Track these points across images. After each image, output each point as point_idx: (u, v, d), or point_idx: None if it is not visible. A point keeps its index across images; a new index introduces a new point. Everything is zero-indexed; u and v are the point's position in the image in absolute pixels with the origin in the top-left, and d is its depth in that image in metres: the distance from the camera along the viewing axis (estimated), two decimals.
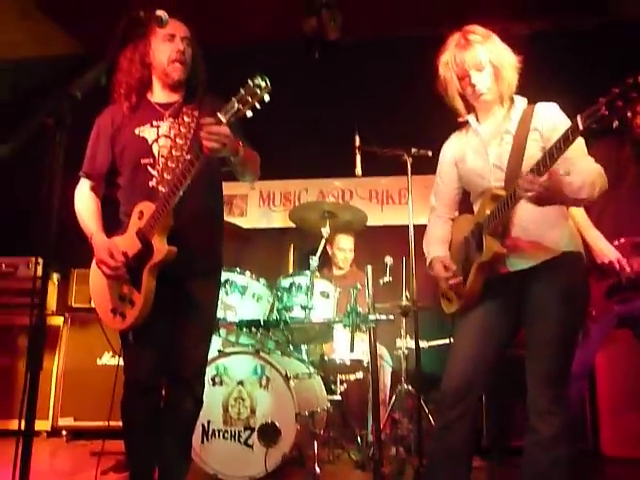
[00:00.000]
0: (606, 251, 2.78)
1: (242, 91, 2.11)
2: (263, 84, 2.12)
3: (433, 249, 2.36)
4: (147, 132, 2.53)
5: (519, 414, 3.50)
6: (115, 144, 2.55)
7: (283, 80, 5.04)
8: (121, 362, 2.56)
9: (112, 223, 2.57)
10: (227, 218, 4.16)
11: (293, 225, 4.22)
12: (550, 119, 2.10)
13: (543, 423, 2.01)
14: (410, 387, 3.81)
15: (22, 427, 1.49)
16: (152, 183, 2.46)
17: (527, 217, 2.11)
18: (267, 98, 2.13)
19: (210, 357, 3.48)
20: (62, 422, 4.32)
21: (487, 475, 3.53)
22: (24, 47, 5.73)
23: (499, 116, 2.23)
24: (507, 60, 2.17)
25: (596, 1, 4.71)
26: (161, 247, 2.34)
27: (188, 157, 2.31)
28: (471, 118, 2.28)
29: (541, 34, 4.50)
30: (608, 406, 3.83)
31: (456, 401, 2.13)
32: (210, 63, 5.15)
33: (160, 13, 2.12)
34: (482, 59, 2.16)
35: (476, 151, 2.25)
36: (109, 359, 4.44)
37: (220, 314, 3.51)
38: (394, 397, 3.86)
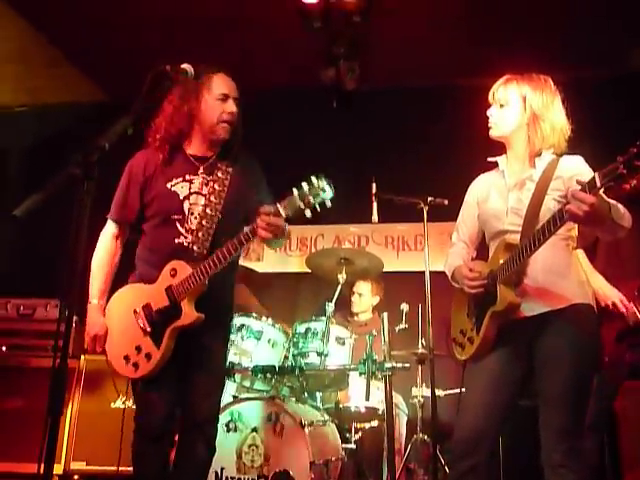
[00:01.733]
0: (609, 293, 2.80)
1: (305, 188, 2.19)
2: (327, 188, 2.21)
3: (455, 262, 2.37)
4: (179, 187, 2.53)
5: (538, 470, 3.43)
6: (145, 193, 2.55)
7: (301, 128, 5.20)
8: (130, 406, 2.57)
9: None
10: (244, 263, 4.21)
11: (309, 270, 4.25)
12: (574, 168, 2.14)
13: (557, 478, 1.97)
14: (426, 437, 3.76)
15: (41, 471, 1.48)
16: (178, 240, 2.48)
17: (537, 267, 2.12)
18: (329, 204, 2.21)
19: (224, 403, 3.49)
20: (74, 466, 4.28)
21: None
22: (48, 93, 5.90)
23: (526, 163, 2.26)
24: (551, 117, 2.20)
25: (612, 54, 4.78)
26: (190, 312, 2.38)
27: (241, 236, 2.31)
28: (501, 160, 2.33)
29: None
30: (629, 458, 3.74)
31: (468, 452, 2.11)
32: None
33: (185, 67, 2.18)
34: (510, 97, 2.23)
35: (498, 193, 2.29)
36: (122, 403, 4.42)
37: (235, 359, 3.51)
38: (409, 447, 3.81)
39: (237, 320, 3.62)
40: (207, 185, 2.53)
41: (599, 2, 4.37)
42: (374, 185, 3.91)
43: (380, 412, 3.71)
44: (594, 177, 1.78)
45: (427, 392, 3.87)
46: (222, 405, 3.43)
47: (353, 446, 3.74)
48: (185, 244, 2.48)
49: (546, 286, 2.10)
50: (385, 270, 4.20)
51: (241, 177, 2.59)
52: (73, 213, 1.58)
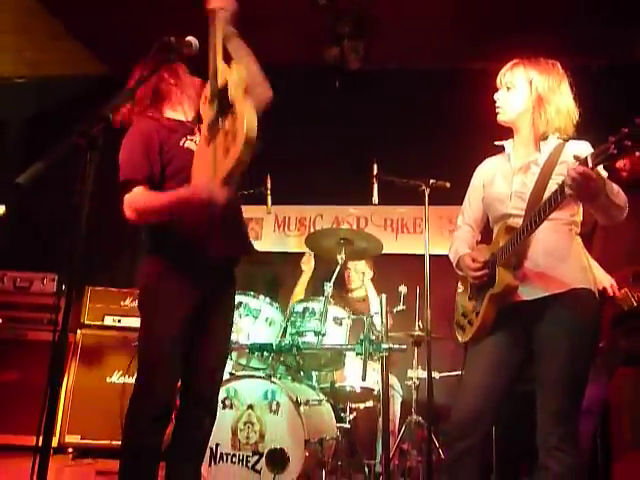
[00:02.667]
0: (600, 278, 2.81)
1: None
2: None
3: (461, 249, 2.36)
4: (189, 144, 2.49)
5: (529, 451, 3.46)
6: (163, 154, 2.42)
7: (303, 107, 5.17)
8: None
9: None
10: None
11: (304, 249, 4.25)
12: (580, 153, 2.12)
13: (553, 460, 1.98)
14: (420, 418, 3.78)
15: (39, 443, 1.48)
16: None
17: (538, 249, 2.13)
18: None
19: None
20: (69, 439, 4.31)
21: None
22: (49, 65, 5.85)
23: (531, 147, 2.25)
24: (557, 100, 2.18)
25: (618, 42, 4.75)
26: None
27: None
28: (508, 144, 2.32)
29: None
30: (620, 442, 3.77)
31: (464, 433, 2.12)
32: None
33: (190, 39, 2.16)
34: (516, 81, 2.22)
35: (504, 177, 2.28)
36: (119, 378, 4.44)
37: (232, 337, 3.50)
38: (404, 428, 3.83)
39: (235, 298, 3.62)
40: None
41: None
42: (375, 166, 3.89)
43: (375, 392, 3.74)
44: (586, 157, 1.81)
45: (422, 374, 3.89)
46: None
47: (348, 426, 3.75)
48: None
49: (546, 270, 2.10)
50: (383, 252, 4.19)
51: None
52: (76, 183, 1.56)
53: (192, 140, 2.51)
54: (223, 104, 2.16)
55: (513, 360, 2.17)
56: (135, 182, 2.34)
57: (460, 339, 2.33)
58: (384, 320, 3.25)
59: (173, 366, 2.37)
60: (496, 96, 2.28)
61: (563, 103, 2.20)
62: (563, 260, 2.12)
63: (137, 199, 2.34)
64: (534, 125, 2.21)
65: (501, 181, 2.28)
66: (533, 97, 2.19)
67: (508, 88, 2.24)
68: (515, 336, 2.16)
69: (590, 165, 1.80)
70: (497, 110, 2.29)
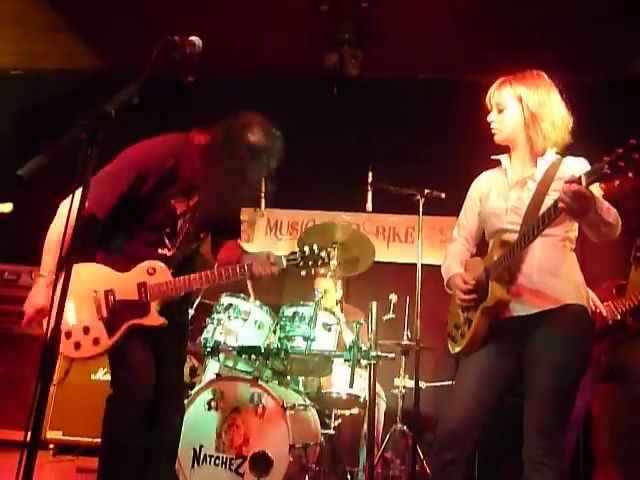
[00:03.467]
0: None
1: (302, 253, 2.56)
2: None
3: (453, 267, 2.37)
4: (179, 202, 2.53)
5: (512, 464, 3.47)
6: (146, 200, 2.47)
7: (300, 112, 5.17)
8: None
9: None
10: None
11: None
12: (577, 170, 2.13)
13: (536, 474, 2.00)
14: (405, 427, 3.78)
15: (27, 439, 1.47)
16: (161, 251, 2.52)
17: (533, 265, 2.14)
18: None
19: (207, 380, 3.49)
20: (50, 435, 4.27)
21: None
22: (47, 58, 5.82)
23: (528, 162, 2.26)
24: (550, 113, 2.18)
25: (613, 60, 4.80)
26: (157, 316, 2.45)
27: (240, 268, 2.51)
28: (504, 158, 2.33)
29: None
30: (602, 456, 3.79)
31: (453, 444, 2.13)
32: (227, 90, 5.24)
33: (194, 39, 2.15)
34: (506, 101, 2.22)
35: (500, 191, 2.30)
36: (103, 375, 4.41)
37: (221, 338, 3.50)
38: (388, 436, 3.83)
39: (225, 300, 3.61)
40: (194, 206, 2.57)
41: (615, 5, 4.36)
42: (370, 174, 3.91)
43: (361, 400, 3.73)
44: (580, 176, 1.83)
45: (409, 383, 3.90)
46: (205, 383, 3.45)
47: (332, 432, 3.75)
48: (168, 255, 2.53)
49: (540, 286, 2.12)
50: (374, 260, 4.19)
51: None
52: (74, 177, 1.55)
53: (185, 202, 2.55)
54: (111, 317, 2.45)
55: (503, 373, 2.18)
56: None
57: (452, 350, 2.34)
58: (373, 328, 3.24)
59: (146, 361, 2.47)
60: (490, 118, 2.29)
61: (557, 114, 2.20)
62: (557, 276, 2.13)
63: (62, 212, 2.43)
64: (531, 142, 2.22)
65: (497, 196, 2.29)
66: (526, 114, 2.19)
67: (500, 110, 2.25)
68: (506, 350, 2.17)
69: (584, 184, 1.81)
70: (493, 131, 2.29)
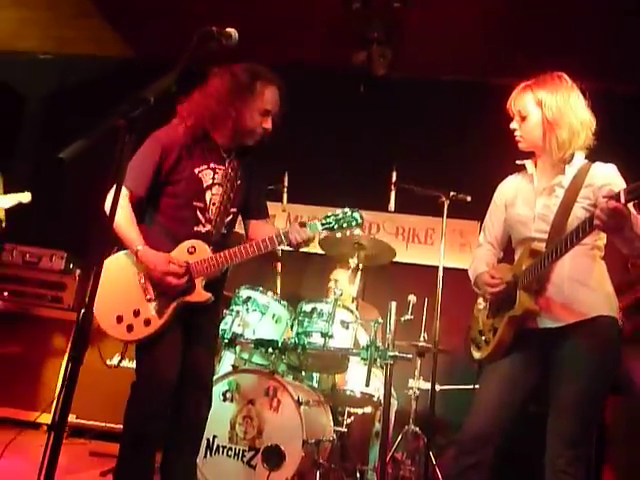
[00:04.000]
0: None
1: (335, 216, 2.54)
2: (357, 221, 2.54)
3: (480, 267, 2.37)
4: (204, 174, 2.59)
5: (525, 471, 3.45)
6: (168, 172, 2.54)
7: (326, 109, 5.17)
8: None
9: None
10: None
11: (318, 251, 4.23)
12: (607, 177, 2.11)
13: None
14: (418, 429, 3.78)
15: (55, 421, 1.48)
16: (197, 228, 2.56)
17: (563, 275, 2.12)
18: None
19: (224, 372, 3.51)
20: None
21: None
22: (75, 44, 5.86)
23: (555, 168, 2.23)
24: (568, 119, 2.14)
25: None
26: (202, 291, 2.51)
27: (270, 239, 2.52)
28: (529, 164, 2.29)
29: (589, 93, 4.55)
30: (611, 465, 3.76)
31: (474, 448, 2.12)
32: None
33: (231, 31, 2.16)
34: (527, 107, 2.19)
35: (525, 198, 2.27)
36: (118, 361, 4.41)
37: (238, 330, 3.51)
38: (400, 437, 3.83)
39: (244, 292, 3.61)
40: (227, 178, 2.63)
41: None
42: (394, 174, 3.89)
43: (375, 399, 3.73)
44: (619, 193, 1.78)
45: (423, 385, 3.89)
46: (221, 374, 3.47)
47: (344, 429, 3.76)
48: (203, 232, 2.57)
49: (572, 298, 2.10)
50: (393, 260, 4.18)
51: (250, 179, 2.73)
52: (113, 164, 1.56)
53: (213, 169, 2.61)
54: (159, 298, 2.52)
55: (528, 381, 2.17)
56: (126, 187, 2.46)
57: (475, 356, 2.32)
58: (392, 328, 3.24)
59: (176, 349, 2.52)
60: (512, 126, 2.25)
61: (576, 120, 2.15)
62: (587, 286, 2.11)
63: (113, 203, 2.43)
64: (552, 148, 2.19)
65: (523, 203, 2.27)
66: (544, 122, 2.16)
67: (522, 117, 2.20)
68: (532, 358, 2.16)
69: (623, 201, 1.77)
70: (517, 139, 2.26)
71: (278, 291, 4.22)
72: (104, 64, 5.82)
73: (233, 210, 2.66)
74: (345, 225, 2.49)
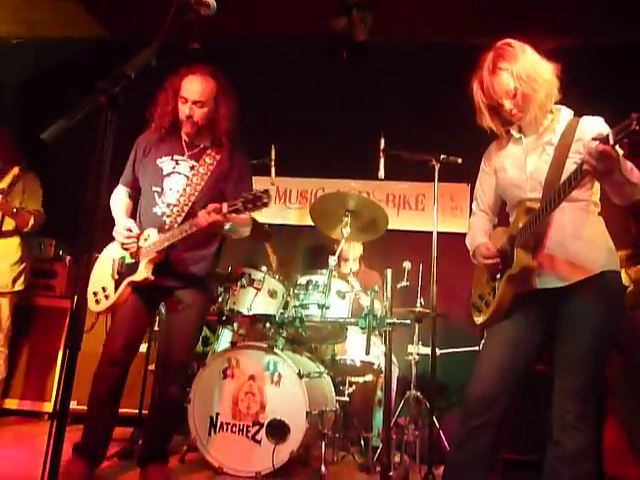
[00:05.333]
0: None
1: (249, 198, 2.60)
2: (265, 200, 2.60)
3: (478, 237, 2.35)
4: (165, 164, 2.99)
5: (522, 428, 3.48)
6: (141, 167, 3.04)
7: (309, 78, 5.09)
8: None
9: None
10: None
11: (308, 223, 4.20)
12: (595, 129, 2.07)
13: (568, 438, 1.99)
14: (419, 394, 3.80)
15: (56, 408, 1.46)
16: (155, 209, 2.94)
17: (564, 231, 2.10)
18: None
19: (222, 349, 3.50)
20: None
21: None
22: (48, 27, 5.71)
23: (542, 128, 2.21)
24: (539, 81, 2.12)
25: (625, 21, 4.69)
26: (142, 272, 2.85)
27: (196, 220, 2.74)
28: (513, 130, 2.27)
29: (570, 48, 4.48)
30: (613, 424, 3.80)
31: (479, 411, 2.12)
32: (234, 56, 5.15)
33: (209, 0, 2.10)
34: (511, 86, 2.13)
35: (515, 161, 2.25)
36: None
37: (234, 307, 3.50)
38: (402, 403, 3.85)
39: (239, 270, 3.60)
40: (192, 168, 2.97)
41: None
42: (382, 140, 3.85)
43: (375, 367, 3.74)
44: (608, 134, 1.76)
45: (423, 350, 3.90)
46: (220, 351, 3.46)
47: (346, 399, 3.78)
48: (159, 214, 2.91)
49: (574, 256, 2.08)
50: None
51: (226, 167, 2.99)
52: (97, 143, 1.51)
53: (174, 160, 2.99)
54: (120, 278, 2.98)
55: (534, 340, 2.17)
56: (121, 183, 3.17)
57: (476, 320, 2.31)
58: (389, 295, 3.23)
59: (125, 323, 2.94)
60: (508, 107, 2.16)
61: (545, 75, 2.13)
62: (592, 243, 2.10)
63: (112, 196, 3.15)
64: (536, 110, 2.15)
65: (514, 166, 2.25)
66: (525, 87, 2.12)
67: (513, 95, 2.13)
68: (536, 317, 2.15)
69: (611, 142, 1.75)
70: (518, 116, 2.18)
71: (274, 268, 4.21)
72: (79, 46, 5.69)
73: (197, 196, 2.91)
74: (250, 205, 2.59)
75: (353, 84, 5.12)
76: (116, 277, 2.94)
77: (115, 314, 3.00)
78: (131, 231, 2.90)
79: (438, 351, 3.89)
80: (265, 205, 2.59)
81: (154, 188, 2.95)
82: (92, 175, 1.53)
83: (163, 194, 2.93)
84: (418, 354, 3.90)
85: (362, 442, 3.89)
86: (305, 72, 5.12)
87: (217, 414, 3.25)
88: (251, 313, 3.50)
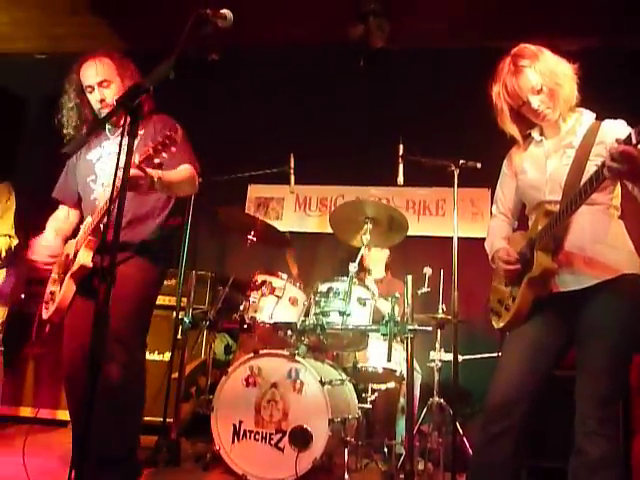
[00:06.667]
0: None
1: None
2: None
3: (497, 242, 2.33)
4: (93, 154, 2.85)
5: (548, 434, 3.44)
6: (76, 171, 2.88)
7: (326, 86, 5.12)
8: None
9: None
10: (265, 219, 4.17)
11: (328, 230, 4.21)
12: (617, 133, 2.05)
13: (591, 444, 1.95)
14: (442, 400, 3.78)
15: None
16: (92, 197, 2.80)
17: (583, 234, 2.08)
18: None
19: (244, 358, 3.51)
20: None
21: None
22: (70, 42, 5.81)
23: (563, 130, 2.20)
24: (561, 76, 2.12)
25: None
26: (79, 260, 2.59)
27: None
28: (534, 132, 2.27)
29: (590, 51, 4.44)
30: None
31: (500, 416, 2.09)
32: (252, 67, 5.19)
33: (225, 12, 2.12)
34: (536, 82, 2.12)
35: (536, 163, 2.24)
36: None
37: (255, 316, 3.52)
38: (425, 409, 3.83)
39: (259, 277, 3.63)
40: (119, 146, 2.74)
41: None
42: (401, 146, 3.85)
43: (398, 374, 3.73)
44: (630, 134, 1.74)
45: (445, 356, 3.88)
46: (242, 360, 3.47)
47: (368, 406, 3.77)
48: (97, 197, 2.77)
49: (595, 258, 2.06)
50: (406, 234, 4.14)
51: (151, 133, 2.74)
52: (118, 154, 1.54)
53: (101, 147, 2.82)
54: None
55: (553, 345, 2.14)
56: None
57: (495, 325, 2.29)
58: (409, 301, 3.23)
59: (75, 323, 2.67)
60: (535, 105, 2.14)
61: (567, 71, 2.13)
62: (612, 246, 2.08)
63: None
64: (561, 106, 2.14)
65: (534, 168, 2.24)
66: (549, 83, 2.11)
67: (537, 92, 2.13)
68: (557, 321, 2.13)
69: (634, 141, 1.72)
70: (546, 112, 2.16)
71: (295, 276, 4.22)
72: None
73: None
74: (160, 147, 2.32)
75: (371, 91, 5.13)
76: (61, 275, 2.71)
77: (67, 317, 2.70)
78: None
79: (460, 357, 3.86)
80: (175, 141, 2.29)
81: (88, 179, 2.83)
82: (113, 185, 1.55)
83: (97, 179, 2.81)
84: (441, 360, 3.88)
85: (385, 449, 3.88)
86: (322, 80, 5.15)
87: (240, 422, 3.26)
88: (272, 321, 3.51)
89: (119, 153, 2.13)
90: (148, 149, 2.30)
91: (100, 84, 2.77)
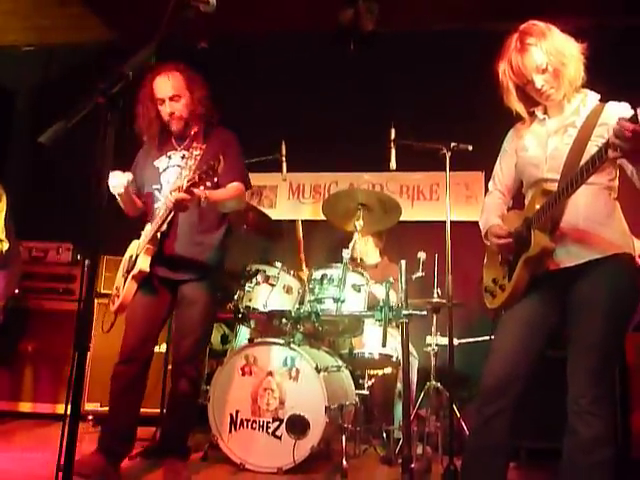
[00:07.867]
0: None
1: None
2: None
3: (491, 219, 2.32)
4: (161, 162, 3.08)
5: (545, 414, 3.44)
6: (143, 176, 3.12)
7: (317, 72, 5.07)
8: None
9: None
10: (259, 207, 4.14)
11: (322, 218, 4.18)
12: (622, 115, 2.03)
13: (583, 424, 1.95)
14: (439, 384, 3.77)
15: (67, 411, 1.46)
16: (156, 204, 3.02)
17: (579, 215, 2.07)
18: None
19: (240, 346, 3.51)
20: (88, 407, 4.33)
21: (518, 476, 3.48)
22: (58, 33, 5.75)
23: (567, 110, 2.18)
24: (568, 56, 2.09)
25: None
26: (139, 265, 2.85)
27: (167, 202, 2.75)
28: (538, 111, 2.24)
29: (598, 29, 4.36)
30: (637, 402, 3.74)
31: (495, 397, 2.09)
32: (242, 54, 5.15)
33: None
34: (542, 61, 2.10)
35: (537, 141, 2.22)
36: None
37: (250, 304, 3.51)
38: (422, 394, 3.83)
39: (252, 266, 3.61)
40: (183, 157, 3.02)
41: None
42: (393, 131, 3.82)
43: (394, 359, 3.72)
44: (635, 113, 1.71)
45: (441, 340, 3.87)
46: (238, 349, 3.46)
47: (366, 392, 3.77)
48: (159, 208, 2.93)
49: (588, 236, 2.05)
50: (400, 219, 4.12)
51: (215, 148, 2.94)
52: (96, 144, 1.51)
53: (168, 156, 3.08)
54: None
55: (546, 323, 2.13)
56: None
57: (489, 305, 2.28)
58: (404, 286, 3.20)
59: (137, 321, 2.98)
60: (539, 84, 2.12)
61: (574, 51, 2.10)
62: (603, 224, 2.07)
63: None
64: (565, 86, 2.12)
65: (535, 145, 2.22)
66: (555, 62, 2.09)
67: (543, 70, 2.10)
68: (551, 301, 2.12)
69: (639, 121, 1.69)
70: (549, 92, 2.13)
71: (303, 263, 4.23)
72: (89, 50, 5.72)
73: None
74: (204, 176, 2.55)
75: (361, 76, 5.09)
76: (125, 275, 2.99)
77: (128, 312, 3.01)
78: None
79: (457, 341, 3.86)
80: (217, 173, 2.54)
81: (154, 186, 3.05)
82: (93, 177, 1.53)
83: (162, 189, 3.01)
84: (437, 345, 3.87)
85: (384, 435, 3.88)
86: (313, 66, 5.10)
87: (237, 411, 3.26)
88: (267, 309, 3.50)
89: (180, 172, 2.82)
90: (195, 176, 2.56)
91: (171, 98, 2.97)
